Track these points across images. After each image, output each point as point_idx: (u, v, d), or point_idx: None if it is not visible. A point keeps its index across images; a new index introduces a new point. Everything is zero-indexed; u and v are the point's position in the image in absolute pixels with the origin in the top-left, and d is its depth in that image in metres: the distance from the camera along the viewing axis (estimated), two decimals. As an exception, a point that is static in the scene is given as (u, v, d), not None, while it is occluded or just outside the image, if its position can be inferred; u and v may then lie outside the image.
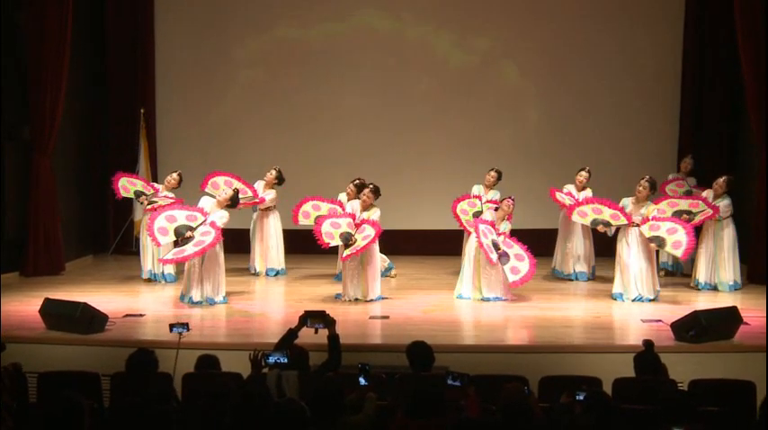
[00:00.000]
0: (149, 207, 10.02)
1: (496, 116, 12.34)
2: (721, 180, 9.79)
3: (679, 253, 9.08)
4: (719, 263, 9.79)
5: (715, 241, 9.76)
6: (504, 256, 9.12)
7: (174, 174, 10.28)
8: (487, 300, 9.25)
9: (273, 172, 10.74)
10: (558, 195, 10.19)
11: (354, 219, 9.37)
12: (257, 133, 12.43)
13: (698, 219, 9.52)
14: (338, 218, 9.47)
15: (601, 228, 9.28)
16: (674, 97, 12.18)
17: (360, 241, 9.14)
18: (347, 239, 9.19)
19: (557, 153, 11.97)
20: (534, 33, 12.29)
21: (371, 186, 9.46)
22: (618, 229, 9.34)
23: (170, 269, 10.30)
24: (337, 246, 9.90)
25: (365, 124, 12.38)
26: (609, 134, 12.20)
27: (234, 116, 12.51)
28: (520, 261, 9.18)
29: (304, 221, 10.08)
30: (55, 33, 10.51)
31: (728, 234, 9.80)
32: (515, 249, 9.26)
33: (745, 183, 10.84)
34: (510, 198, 9.52)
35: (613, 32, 12.18)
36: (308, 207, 10.22)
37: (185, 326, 6.79)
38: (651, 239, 9.02)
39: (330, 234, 9.24)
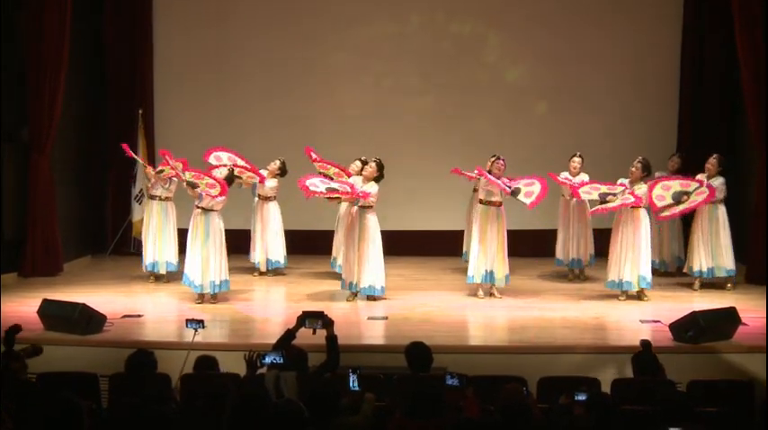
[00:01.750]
0: (164, 174, 10.18)
1: (496, 116, 12.32)
2: (713, 159, 9.77)
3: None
4: (716, 247, 9.74)
5: (711, 225, 9.72)
6: (515, 191, 9.30)
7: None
8: (491, 277, 9.30)
9: (277, 162, 10.76)
10: (559, 177, 10.27)
11: (352, 188, 9.27)
12: (257, 133, 12.39)
13: (697, 200, 9.36)
14: (332, 183, 9.44)
15: (610, 198, 9.22)
16: (673, 97, 12.17)
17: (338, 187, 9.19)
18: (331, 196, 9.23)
19: (555, 153, 11.92)
20: (534, 32, 12.26)
21: (376, 160, 9.38)
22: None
23: (172, 259, 10.32)
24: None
25: (364, 125, 12.36)
26: (607, 135, 12.16)
27: (233, 116, 12.48)
28: (530, 186, 9.40)
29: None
30: (53, 33, 10.50)
31: (722, 216, 9.77)
32: (524, 181, 9.49)
33: (744, 183, 10.84)
34: (500, 158, 9.59)
35: (612, 33, 12.17)
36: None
37: (201, 323, 6.75)
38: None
39: (315, 185, 9.22)
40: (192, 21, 12.50)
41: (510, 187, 9.29)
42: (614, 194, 9.24)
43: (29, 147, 10.66)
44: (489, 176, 9.29)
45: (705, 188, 9.42)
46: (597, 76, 12.22)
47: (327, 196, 9.32)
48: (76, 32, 11.16)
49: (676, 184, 9.51)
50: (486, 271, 9.34)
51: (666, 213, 9.46)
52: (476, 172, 9.67)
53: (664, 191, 9.50)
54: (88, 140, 12.43)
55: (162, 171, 10.11)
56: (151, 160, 11.89)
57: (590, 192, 9.50)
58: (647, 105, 12.21)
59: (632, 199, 9.05)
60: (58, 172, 11.13)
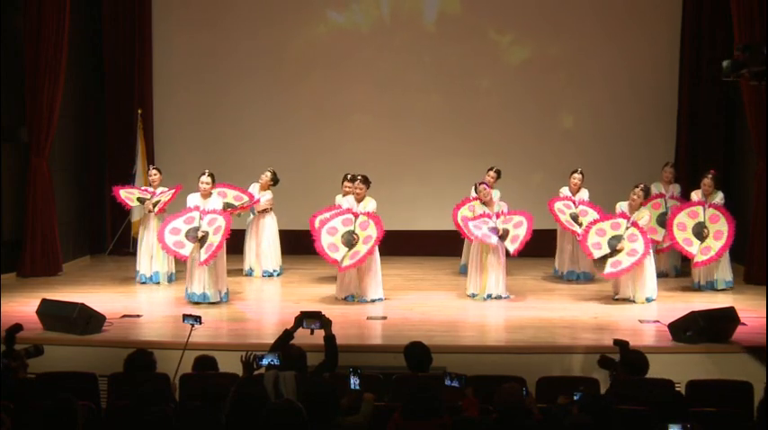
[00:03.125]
0: (156, 209, 10.16)
1: (495, 117, 12.32)
2: (707, 179, 9.83)
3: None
4: (719, 260, 9.73)
5: None
6: (503, 235, 9.21)
7: (152, 170, 10.43)
8: (490, 297, 9.27)
9: (268, 173, 10.71)
10: (557, 207, 10.13)
11: (353, 213, 9.18)
12: (256, 133, 12.40)
13: (724, 235, 9.46)
14: (332, 220, 9.19)
15: (620, 247, 9.08)
16: (672, 100, 12.16)
17: (360, 245, 9.00)
18: (350, 241, 9.01)
19: (555, 154, 11.96)
20: (534, 36, 12.29)
21: (360, 177, 9.34)
22: None
23: (172, 268, 10.34)
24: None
25: (364, 125, 12.37)
26: (606, 137, 12.18)
27: (232, 116, 12.48)
28: (518, 228, 9.27)
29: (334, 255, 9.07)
30: (52, 34, 10.50)
31: None
32: (515, 219, 9.35)
33: (743, 185, 10.84)
34: (484, 183, 9.61)
35: (611, 35, 12.15)
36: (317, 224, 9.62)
37: (198, 319, 6.79)
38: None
39: (333, 245, 8.98)
40: (192, 21, 12.49)
41: (497, 231, 9.19)
42: (620, 237, 9.10)
43: (27, 149, 10.66)
44: (476, 237, 9.19)
45: (718, 213, 9.49)
46: (595, 79, 12.22)
47: (354, 259, 8.95)
48: (74, 34, 11.16)
49: (689, 221, 9.62)
50: (485, 296, 9.33)
51: (704, 258, 9.50)
52: (472, 237, 9.40)
53: (682, 231, 9.60)
54: (87, 141, 12.44)
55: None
56: (150, 161, 11.90)
57: (600, 246, 9.17)
58: (645, 108, 12.19)
59: (641, 250, 8.96)
60: (57, 172, 11.13)
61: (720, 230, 9.52)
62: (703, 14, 11.89)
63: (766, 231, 10.12)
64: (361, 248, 8.98)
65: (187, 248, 8.97)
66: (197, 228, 8.99)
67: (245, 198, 10.41)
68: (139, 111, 12.10)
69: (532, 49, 12.31)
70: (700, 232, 9.56)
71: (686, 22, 12.03)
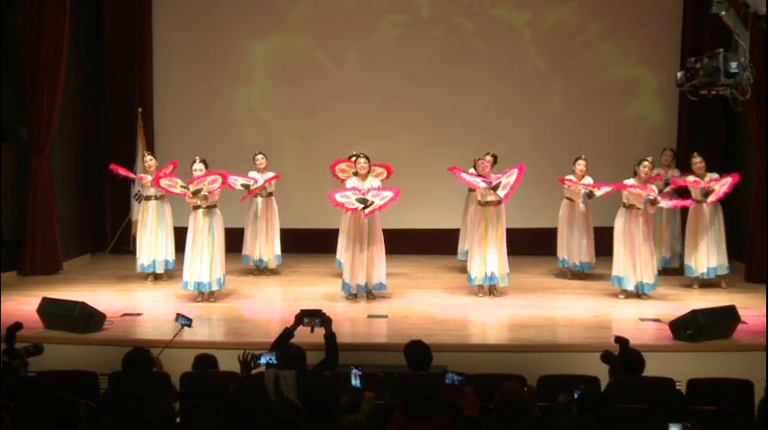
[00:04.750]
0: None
1: (493, 115, 12.33)
2: (699, 160, 9.89)
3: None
4: (719, 245, 9.76)
5: (713, 224, 9.74)
6: (495, 185, 9.19)
7: (147, 157, 10.41)
8: (492, 278, 9.26)
9: (260, 156, 10.61)
10: (568, 178, 10.25)
11: (360, 191, 9.15)
12: (256, 133, 12.40)
13: (728, 182, 9.65)
14: (344, 190, 9.17)
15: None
16: (672, 100, 12.16)
17: (379, 201, 8.98)
18: (364, 202, 8.98)
19: (555, 153, 11.94)
20: (533, 32, 12.29)
21: (362, 154, 9.33)
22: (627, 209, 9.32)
23: (170, 257, 10.35)
24: (335, 243, 9.98)
25: (363, 122, 12.36)
26: (606, 137, 12.18)
27: (232, 116, 12.49)
28: (510, 177, 9.26)
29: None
30: (52, 33, 10.51)
31: (721, 214, 9.82)
32: (506, 174, 9.35)
33: (743, 185, 10.80)
34: (483, 158, 9.66)
35: (611, 35, 12.17)
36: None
37: (190, 321, 6.81)
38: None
39: (350, 203, 9.01)
40: (192, 21, 12.49)
41: (490, 183, 9.22)
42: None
43: (28, 147, 10.66)
44: (462, 176, 9.25)
45: (722, 181, 9.70)
46: (596, 77, 12.22)
47: (373, 207, 8.99)
48: (74, 32, 11.16)
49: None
50: (486, 274, 9.31)
51: (714, 197, 9.66)
52: (472, 174, 9.50)
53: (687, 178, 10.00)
54: (87, 139, 12.44)
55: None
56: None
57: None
58: (646, 106, 12.20)
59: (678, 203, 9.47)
60: (57, 171, 11.13)
61: (725, 182, 9.68)
62: (703, 14, 11.88)
63: (766, 231, 10.14)
64: (380, 202, 9.00)
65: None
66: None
67: (252, 181, 10.38)
68: (139, 111, 12.10)
69: (533, 48, 12.30)
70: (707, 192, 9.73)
71: (686, 21, 12.03)
